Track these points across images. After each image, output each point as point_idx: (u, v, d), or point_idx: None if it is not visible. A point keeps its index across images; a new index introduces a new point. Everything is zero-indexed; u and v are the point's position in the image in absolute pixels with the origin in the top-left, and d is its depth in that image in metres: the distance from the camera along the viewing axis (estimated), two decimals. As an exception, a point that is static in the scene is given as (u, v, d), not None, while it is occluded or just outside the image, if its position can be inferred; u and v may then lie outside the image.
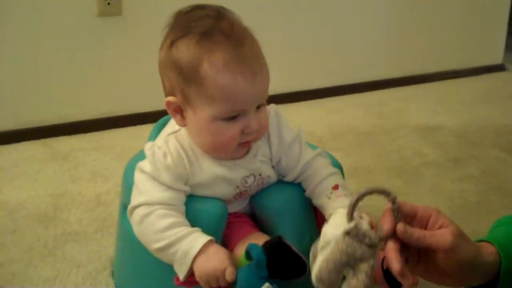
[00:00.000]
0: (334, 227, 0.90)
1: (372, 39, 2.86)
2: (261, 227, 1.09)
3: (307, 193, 1.08)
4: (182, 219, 0.98)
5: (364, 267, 0.77)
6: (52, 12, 2.07)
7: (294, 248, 0.93)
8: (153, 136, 1.17)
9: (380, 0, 2.83)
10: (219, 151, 1.00)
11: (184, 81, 0.94)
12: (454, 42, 3.13)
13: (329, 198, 1.04)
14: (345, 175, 1.27)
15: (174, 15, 0.98)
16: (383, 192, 0.78)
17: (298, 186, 1.10)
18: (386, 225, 0.78)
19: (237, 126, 0.94)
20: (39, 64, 2.12)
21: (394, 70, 2.96)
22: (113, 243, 1.34)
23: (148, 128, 1.29)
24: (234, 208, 1.09)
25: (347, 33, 2.78)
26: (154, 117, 1.36)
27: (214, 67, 0.91)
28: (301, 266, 0.93)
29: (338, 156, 1.33)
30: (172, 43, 0.95)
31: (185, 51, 0.93)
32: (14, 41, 2.04)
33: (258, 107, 0.96)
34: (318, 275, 0.77)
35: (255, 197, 1.09)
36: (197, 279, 0.94)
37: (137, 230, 1.00)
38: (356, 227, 0.77)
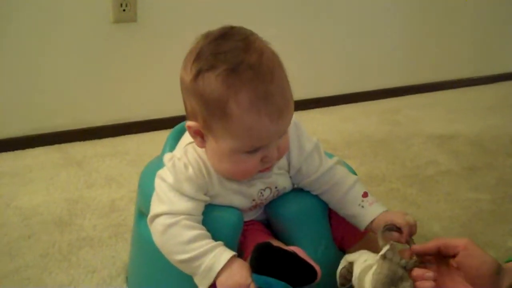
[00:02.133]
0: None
1: (387, 46, 2.86)
2: (276, 234, 1.10)
3: (332, 204, 1.09)
4: (205, 231, 0.98)
5: (407, 285, 0.88)
6: (67, 18, 2.08)
7: (303, 256, 0.93)
8: (169, 145, 1.17)
9: (395, 8, 2.82)
10: (238, 178, 1.01)
11: (208, 113, 0.92)
12: (469, 50, 3.12)
13: (362, 206, 1.06)
14: (360, 183, 1.27)
15: (200, 41, 0.94)
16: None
17: (312, 194, 1.10)
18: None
19: (258, 157, 0.94)
20: (54, 70, 2.13)
21: (408, 78, 2.96)
22: (127, 249, 1.34)
23: (162, 134, 1.29)
24: (249, 216, 1.09)
25: (361, 40, 2.77)
26: (168, 123, 1.36)
27: (241, 107, 0.89)
28: (311, 273, 0.93)
29: (352, 164, 1.34)
30: (198, 74, 0.91)
31: (211, 86, 0.90)
32: (29, 47, 2.05)
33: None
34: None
35: (270, 205, 1.09)
36: None
37: (159, 239, 0.99)
38: (392, 249, 0.91)
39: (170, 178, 0.99)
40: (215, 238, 0.98)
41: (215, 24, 0.98)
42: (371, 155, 2.07)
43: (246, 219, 1.07)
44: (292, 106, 0.94)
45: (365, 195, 1.07)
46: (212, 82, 0.89)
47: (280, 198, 1.09)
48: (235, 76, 0.88)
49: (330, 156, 1.14)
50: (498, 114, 2.60)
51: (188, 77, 0.93)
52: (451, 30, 3.02)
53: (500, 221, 1.54)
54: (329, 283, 1.05)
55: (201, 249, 0.94)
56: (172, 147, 1.13)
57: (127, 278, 1.28)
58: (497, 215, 1.58)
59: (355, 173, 1.24)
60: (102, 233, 1.49)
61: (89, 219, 1.56)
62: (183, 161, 1.00)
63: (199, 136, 0.97)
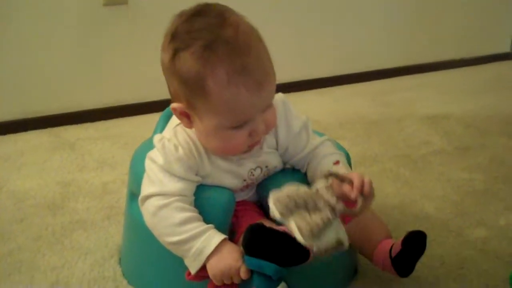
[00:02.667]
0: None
1: (379, 27, 2.85)
2: (268, 214, 1.09)
3: (309, 175, 1.09)
4: (196, 213, 0.98)
5: (318, 218, 0.86)
6: (58, 1, 2.07)
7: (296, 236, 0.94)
8: (160, 126, 1.17)
9: (387, -12, 2.81)
10: (227, 154, 1.00)
11: (189, 92, 0.92)
12: (461, 30, 3.11)
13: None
14: (352, 164, 1.27)
15: (174, 21, 0.93)
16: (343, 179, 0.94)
17: (304, 173, 1.10)
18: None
19: (244, 133, 0.94)
20: (45, 53, 2.12)
21: (401, 59, 2.95)
22: (120, 231, 1.35)
23: (154, 117, 1.29)
24: (241, 197, 1.09)
25: (354, 22, 2.76)
26: (160, 106, 1.35)
27: (219, 82, 0.88)
28: (303, 253, 0.93)
29: (345, 145, 1.34)
30: (174, 54, 0.91)
31: (188, 64, 0.90)
32: (21, 31, 2.04)
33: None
34: (276, 197, 0.87)
35: (261, 185, 1.10)
36: (211, 276, 0.95)
37: (150, 221, 0.99)
38: (327, 187, 0.90)
39: (160, 159, 0.98)
40: (206, 218, 0.98)
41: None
42: (364, 136, 2.07)
43: (238, 199, 1.07)
44: (273, 78, 0.94)
45: (337, 163, 1.06)
46: (188, 61, 0.89)
47: (271, 178, 1.09)
48: (211, 52, 0.88)
49: (321, 135, 1.13)
50: (490, 95, 2.60)
51: (166, 58, 0.93)
52: (443, 11, 3.01)
53: (493, 201, 1.55)
54: (320, 265, 1.06)
55: (192, 232, 0.94)
56: (163, 129, 1.13)
57: (120, 259, 1.28)
58: (489, 194, 1.59)
59: (347, 154, 1.24)
60: (95, 215, 1.49)
61: (82, 202, 1.56)
62: (173, 142, 1.00)
63: (185, 117, 0.97)
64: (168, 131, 1.05)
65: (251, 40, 0.91)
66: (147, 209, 0.98)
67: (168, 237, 0.96)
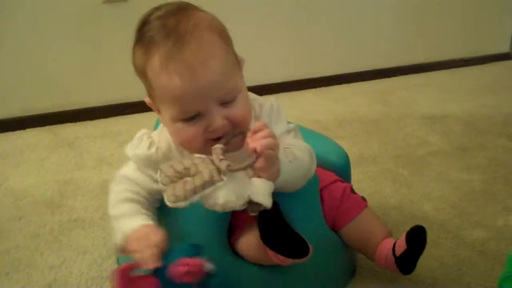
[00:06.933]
0: None
1: (379, 27, 2.85)
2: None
3: None
4: (141, 204, 0.99)
5: (198, 179, 0.83)
6: (57, -2, 2.07)
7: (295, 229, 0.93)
8: (159, 124, 1.16)
9: (387, -12, 2.81)
10: (189, 149, 0.96)
11: (144, 84, 0.94)
12: (461, 30, 3.11)
13: None
14: (351, 163, 1.27)
15: (140, 18, 0.93)
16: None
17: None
18: None
19: (198, 126, 0.90)
20: (45, 51, 2.11)
21: (400, 59, 2.95)
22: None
23: (153, 115, 1.28)
24: None
25: (354, 21, 2.76)
26: (159, 104, 1.35)
27: (153, 69, 0.87)
28: (304, 249, 0.93)
29: (344, 144, 1.33)
30: (132, 50, 0.92)
31: (136, 57, 0.91)
32: (20, 28, 2.03)
33: (226, 103, 0.91)
34: (161, 168, 0.85)
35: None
36: (129, 247, 0.93)
37: (110, 190, 1.03)
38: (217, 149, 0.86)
39: (129, 150, 1.02)
40: (205, 218, 0.98)
41: (203, 3, 0.97)
42: (363, 135, 2.07)
43: None
44: (217, 66, 0.88)
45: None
46: (137, 53, 0.91)
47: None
48: (152, 41, 0.87)
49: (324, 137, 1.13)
50: (490, 95, 2.60)
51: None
52: (443, 11, 3.00)
53: (491, 201, 1.55)
54: (319, 263, 1.06)
55: (124, 211, 0.97)
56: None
57: (118, 259, 1.28)
58: (488, 195, 1.59)
59: (346, 154, 1.24)
60: (93, 214, 1.49)
61: (80, 201, 1.56)
62: (150, 140, 1.01)
63: (157, 110, 0.97)
64: (157, 131, 1.05)
65: (196, 29, 0.88)
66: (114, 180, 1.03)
67: (109, 209, 1.00)
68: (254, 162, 0.86)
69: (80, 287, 1.20)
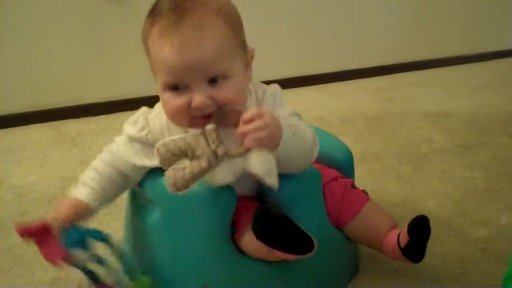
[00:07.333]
0: None
1: (382, 24, 2.84)
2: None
3: None
4: (112, 173, 1.06)
5: (197, 166, 0.86)
6: (60, -6, 2.06)
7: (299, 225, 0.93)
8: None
9: (390, -16, 2.81)
10: (174, 121, 0.98)
11: (147, 55, 0.98)
12: (464, 27, 3.10)
13: None
14: (354, 160, 1.27)
15: None
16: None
17: (307, 171, 1.09)
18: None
19: (182, 99, 0.92)
20: (47, 47, 2.11)
21: (403, 55, 2.95)
22: (121, 227, 1.34)
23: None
24: (240, 189, 1.06)
25: (357, 18, 2.76)
26: (162, 101, 1.35)
27: (152, 39, 0.92)
28: (309, 244, 0.93)
29: (347, 141, 1.33)
30: (144, 24, 0.97)
31: (144, 27, 0.96)
32: (22, 25, 2.03)
33: (215, 81, 0.91)
34: (157, 148, 0.88)
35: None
36: None
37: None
38: (210, 130, 0.87)
39: (125, 125, 1.08)
40: (208, 215, 0.98)
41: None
42: (365, 132, 2.07)
43: (239, 192, 1.05)
44: (212, 44, 0.89)
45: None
46: (145, 24, 0.95)
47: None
48: (158, 14, 0.92)
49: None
50: (493, 92, 2.60)
51: None
52: (446, 8, 3.00)
53: (494, 199, 1.54)
54: (323, 260, 1.06)
55: (84, 178, 1.04)
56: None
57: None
58: (490, 193, 1.59)
59: (349, 151, 1.24)
60: (96, 210, 1.48)
61: (83, 197, 1.56)
62: (146, 122, 1.05)
63: (156, 82, 1.00)
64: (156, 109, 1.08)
65: (199, 9, 0.90)
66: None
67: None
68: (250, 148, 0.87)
69: (82, 284, 1.20)
